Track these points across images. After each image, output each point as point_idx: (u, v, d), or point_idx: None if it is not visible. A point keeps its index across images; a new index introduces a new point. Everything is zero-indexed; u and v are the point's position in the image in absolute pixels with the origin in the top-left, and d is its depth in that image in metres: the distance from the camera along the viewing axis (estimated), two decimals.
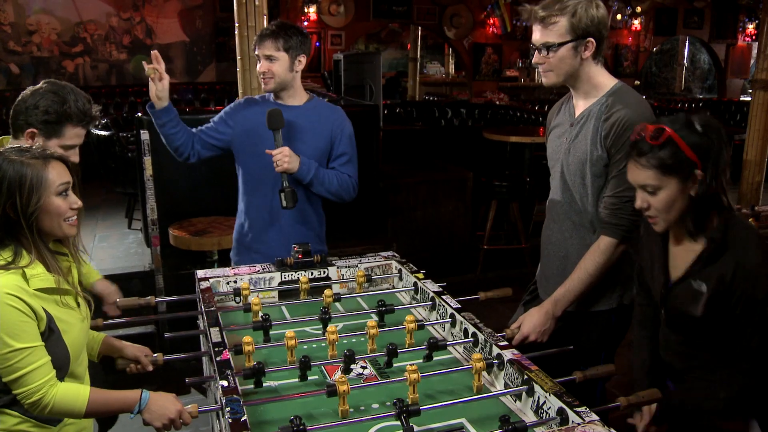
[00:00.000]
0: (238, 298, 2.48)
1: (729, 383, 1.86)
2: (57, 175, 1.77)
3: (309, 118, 2.86)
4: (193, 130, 2.89)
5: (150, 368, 2.11)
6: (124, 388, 1.82)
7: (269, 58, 2.78)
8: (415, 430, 1.60)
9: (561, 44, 2.16)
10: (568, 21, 2.13)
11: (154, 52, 2.67)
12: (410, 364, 1.80)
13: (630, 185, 2.13)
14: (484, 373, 2.02)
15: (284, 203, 2.73)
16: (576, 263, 2.28)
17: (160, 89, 2.67)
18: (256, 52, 2.81)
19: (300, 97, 2.91)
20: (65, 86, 2.17)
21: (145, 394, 1.78)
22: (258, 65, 2.82)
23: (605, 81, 2.26)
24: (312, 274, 2.65)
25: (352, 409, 1.80)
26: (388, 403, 1.83)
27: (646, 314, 2.15)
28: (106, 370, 2.22)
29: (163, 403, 1.78)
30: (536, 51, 2.21)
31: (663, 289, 1.97)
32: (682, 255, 1.92)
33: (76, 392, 1.73)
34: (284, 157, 2.69)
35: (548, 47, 2.17)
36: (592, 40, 2.17)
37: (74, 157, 2.18)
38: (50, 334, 1.75)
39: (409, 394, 1.78)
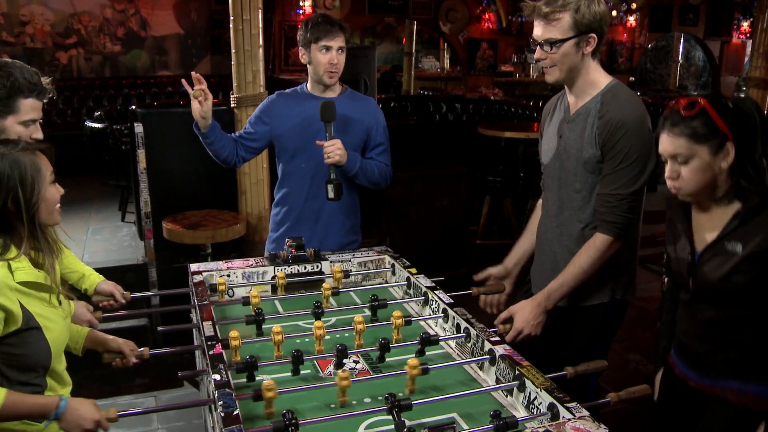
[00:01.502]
0: (218, 294, 2.46)
1: None
2: (46, 163, 1.77)
3: (348, 109, 2.84)
4: (232, 135, 2.89)
5: (133, 362, 2.08)
6: (114, 380, 1.80)
7: (341, 49, 2.78)
8: (406, 424, 1.60)
9: (564, 40, 2.16)
10: (572, 17, 2.14)
11: (196, 75, 2.64)
12: (411, 358, 1.81)
13: (624, 183, 2.17)
14: (476, 367, 2.03)
15: (331, 195, 2.72)
16: (566, 259, 2.30)
17: (206, 109, 2.65)
18: (325, 44, 2.74)
19: (336, 88, 2.91)
20: (8, 62, 2.09)
21: (63, 401, 1.70)
22: (325, 56, 2.76)
23: (600, 78, 2.27)
24: (305, 268, 2.65)
25: (355, 401, 1.82)
26: (380, 398, 1.84)
27: (675, 303, 2.15)
28: (93, 364, 2.19)
29: (81, 413, 1.71)
30: (538, 46, 2.21)
31: (690, 258, 1.97)
32: (710, 223, 1.93)
33: None
34: (337, 150, 2.68)
35: (552, 43, 2.17)
36: (594, 35, 2.18)
37: (37, 133, 2.11)
38: (29, 330, 1.72)
39: (407, 386, 1.80)
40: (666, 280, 2.26)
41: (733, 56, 13.38)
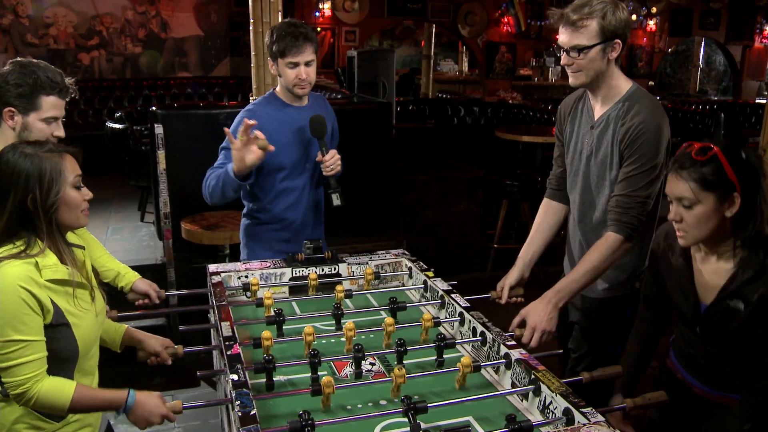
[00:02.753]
0: (248, 293, 2.50)
1: (755, 411, 1.85)
2: (72, 167, 1.79)
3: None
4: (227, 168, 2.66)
5: (169, 362, 2.14)
6: (132, 380, 1.84)
7: (309, 63, 2.68)
8: (422, 427, 1.61)
9: (592, 46, 2.21)
10: (599, 23, 2.19)
11: (250, 122, 2.48)
12: (398, 368, 1.83)
13: (642, 186, 2.21)
14: (491, 371, 2.03)
15: (338, 202, 2.73)
16: None
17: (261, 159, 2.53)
18: (291, 60, 2.65)
19: (305, 96, 2.84)
20: (31, 61, 2.16)
21: (131, 397, 1.77)
22: (293, 72, 2.67)
23: (622, 84, 2.33)
24: (323, 270, 2.66)
25: (360, 405, 1.83)
26: (396, 400, 1.85)
27: (644, 329, 2.21)
28: (111, 363, 2.23)
29: (150, 408, 1.78)
30: (565, 53, 2.26)
31: (694, 311, 1.98)
32: (711, 275, 1.93)
33: (61, 388, 1.73)
34: (338, 161, 2.70)
35: (579, 49, 2.22)
36: (619, 41, 2.24)
37: (58, 130, 2.17)
38: (58, 327, 1.76)
39: (391, 391, 1.82)
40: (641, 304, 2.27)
41: (755, 60, 13.26)
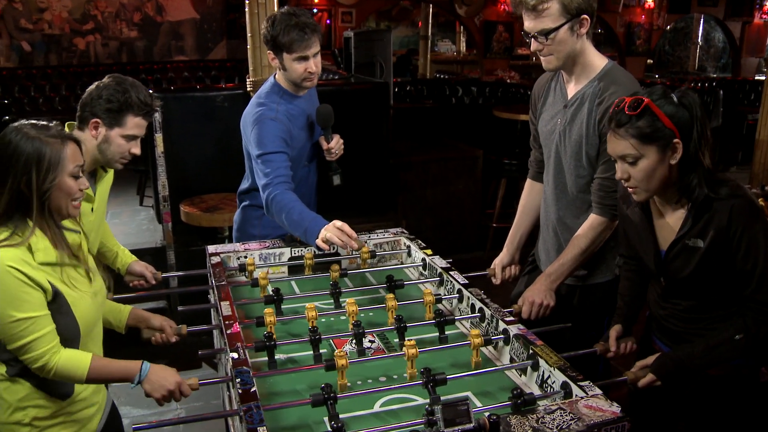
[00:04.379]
0: (245, 273, 2.51)
1: (743, 324, 1.85)
2: (73, 156, 1.78)
3: (314, 104, 2.82)
4: (284, 179, 2.55)
5: (173, 339, 2.16)
6: (140, 359, 1.86)
7: (316, 54, 2.61)
8: (419, 402, 1.63)
9: (558, 27, 2.13)
10: (560, 3, 2.11)
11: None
12: (408, 340, 1.84)
13: None
14: (491, 348, 2.05)
15: (338, 182, 2.78)
16: (569, 239, 2.33)
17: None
18: (299, 54, 2.55)
19: None
20: (127, 79, 2.26)
21: (145, 365, 1.82)
22: (301, 65, 2.58)
23: (596, 61, 2.26)
24: (321, 249, 2.66)
25: (360, 381, 1.84)
26: (395, 376, 1.87)
27: (630, 276, 2.20)
28: (114, 347, 2.25)
29: (164, 375, 1.83)
30: (532, 39, 2.19)
31: (656, 258, 1.98)
32: (669, 223, 1.94)
33: (79, 360, 1.77)
34: (342, 145, 2.73)
35: (546, 34, 2.15)
36: (586, 16, 2.15)
37: (135, 148, 2.26)
38: (58, 307, 1.77)
39: (407, 369, 1.82)
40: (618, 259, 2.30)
41: (755, 37, 13.19)
